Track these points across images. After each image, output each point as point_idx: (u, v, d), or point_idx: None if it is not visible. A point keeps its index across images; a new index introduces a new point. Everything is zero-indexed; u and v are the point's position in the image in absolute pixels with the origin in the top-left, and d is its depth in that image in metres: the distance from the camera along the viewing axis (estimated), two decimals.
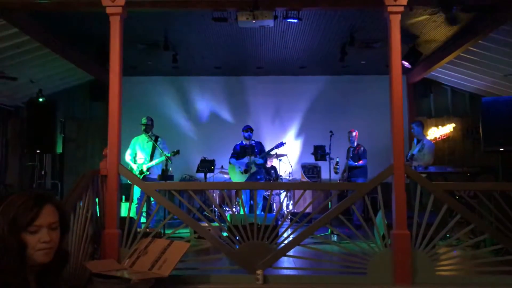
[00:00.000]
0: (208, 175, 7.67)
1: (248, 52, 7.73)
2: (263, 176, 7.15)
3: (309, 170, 8.46)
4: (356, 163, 7.23)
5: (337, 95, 9.14)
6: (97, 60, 7.65)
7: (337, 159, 7.13)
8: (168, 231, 5.66)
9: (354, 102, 9.02)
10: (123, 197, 6.13)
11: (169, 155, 6.32)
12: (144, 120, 6.67)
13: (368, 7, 5.06)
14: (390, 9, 3.75)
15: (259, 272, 3.46)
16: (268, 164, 7.76)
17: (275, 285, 3.49)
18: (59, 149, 7.77)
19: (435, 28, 6.45)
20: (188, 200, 7.96)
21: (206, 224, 4.70)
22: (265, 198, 7.58)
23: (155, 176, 6.60)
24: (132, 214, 5.33)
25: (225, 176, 8.09)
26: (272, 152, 7.30)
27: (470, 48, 6.70)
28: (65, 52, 7.17)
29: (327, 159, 7.13)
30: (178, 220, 5.51)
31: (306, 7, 5.03)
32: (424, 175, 4.99)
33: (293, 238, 3.74)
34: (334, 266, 3.92)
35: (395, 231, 3.56)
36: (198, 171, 7.85)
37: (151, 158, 6.65)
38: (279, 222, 4.65)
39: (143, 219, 5.96)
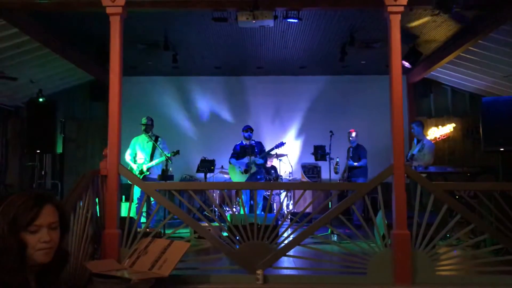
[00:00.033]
0: (208, 175, 7.67)
1: (248, 52, 7.72)
2: (263, 176, 7.15)
3: (309, 170, 8.46)
4: (356, 163, 7.23)
5: (337, 95, 9.14)
6: (97, 60, 7.65)
7: (337, 159, 7.13)
8: (168, 231, 5.66)
9: (354, 102, 9.02)
10: (123, 197, 6.13)
11: (169, 155, 6.32)
12: (144, 120, 6.67)
13: (368, 7, 5.05)
14: (390, 9, 3.75)
15: (259, 272, 3.46)
16: (268, 164, 7.76)
17: (275, 285, 3.49)
18: (59, 149, 7.77)
19: (435, 28, 6.45)
20: (188, 200, 7.96)
21: (206, 224, 4.70)
22: (265, 198, 7.58)
23: (155, 176, 6.61)
24: (132, 214, 5.33)
25: (225, 176, 8.09)
26: (272, 152, 7.30)
27: (470, 48, 6.70)
28: (65, 52, 7.17)
29: (327, 159, 7.13)
30: (178, 220, 5.52)
31: (306, 7, 5.03)
32: (424, 175, 4.99)
33: (293, 238, 3.74)
34: (334, 266, 3.92)
35: (395, 231, 3.56)
36: (198, 171, 7.85)
37: (151, 158, 6.65)
38: (279, 222, 4.65)
39: (143, 219, 5.96)
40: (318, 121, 8.85)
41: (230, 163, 7.13)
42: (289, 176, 8.40)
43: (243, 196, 6.67)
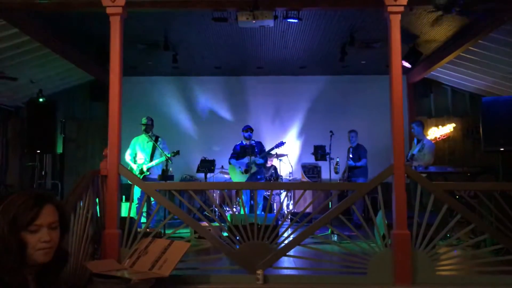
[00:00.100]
0: (208, 175, 7.67)
1: (248, 52, 7.72)
2: (263, 176, 7.15)
3: (309, 170, 8.47)
4: (356, 163, 7.22)
5: (337, 95, 9.14)
6: (97, 60, 7.65)
7: (337, 159, 7.13)
8: (168, 231, 5.66)
9: (354, 102, 9.02)
10: (124, 197, 6.13)
11: (169, 155, 6.32)
12: (144, 120, 6.67)
13: (368, 7, 5.05)
14: (390, 9, 3.75)
15: (259, 272, 3.45)
16: (269, 164, 7.76)
17: (275, 285, 3.48)
18: (59, 149, 7.78)
19: (435, 28, 6.45)
20: (188, 200, 7.96)
21: (207, 224, 4.69)
22: (265, 198, 7.58)
23: (155, 176, 6.61)
24: (133, 214, 5.33)
25: (226, 176, 8.10)
26: (272, 152, 7.30)
27: (470, 48, 6.70)
28: (65, 52, 7.17)
29: (327, 159, 7.13)
30: (178, 220, 5.52)
31: (306, 7, 5.03)
32: (424, 175, 4.99)
33: (294, 238, 3.73)
34: (334, 266, 3.92)
35: (395, 231, 3.56)
36: (198, 171, 7.85)
37: (151, 158, 6.65)
38: (280, 222, 4.65)
39: (143, 219, 5.97)
40: (318, 121, 8.86)
41: (230, 163, 7.12)
42: (289, 176, 8.40)
43: (243, 196, 6.67)
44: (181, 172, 8.55)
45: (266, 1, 4.50)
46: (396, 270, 3.47)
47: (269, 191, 6.54)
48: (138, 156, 6.73)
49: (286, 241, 3.71)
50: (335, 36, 6.84)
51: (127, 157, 6.73)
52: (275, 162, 8.12)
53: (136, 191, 6.20)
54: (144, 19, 6.03)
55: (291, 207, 7.92)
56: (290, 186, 7.41)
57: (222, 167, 8.04)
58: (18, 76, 7.01)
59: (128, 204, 4.49)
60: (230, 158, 7.12)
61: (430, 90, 9.17)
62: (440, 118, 9.11)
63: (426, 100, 9.25)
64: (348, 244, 3.99)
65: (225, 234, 3.98)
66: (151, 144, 6.68)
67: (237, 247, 3.68)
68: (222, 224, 4.48)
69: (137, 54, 7.63)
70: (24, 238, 1.60)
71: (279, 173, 7.97)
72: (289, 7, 5.20)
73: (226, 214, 6.88)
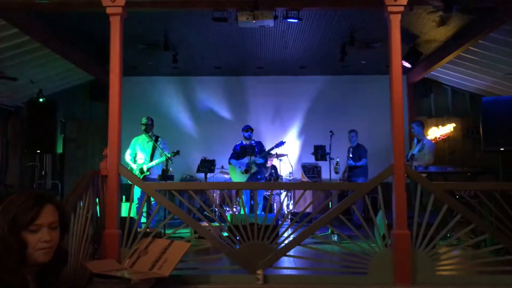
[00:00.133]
0: (209, 175, 7.67)
1: (248, 52, 7.72)
2: (264, 175, 7.15)
3: (310, 170, 8.47)
4: (356, 163, 7.22)
5: (337, 95, 9.14)
6: (97, 60, 7.65)
7: (337, 159, 7.13)
8: (168, 231, 5.66)
9: (354, 102, 9.02)
10: (124, 197, 6.13)
11: (169, 155, 6.32)
12: (144, 120, 6.67)
13: (368, 7, 5.05)
14: (390, 9, 3.74)
15: (259, 272, 3.45)
16: (269, 164, 7.76)
17: (275, 285, 3.48)
18: (60, 149, 7.77)
19: (435, 28, 6.45)
20: (188, 200, 7.96)
21: (207, 224, 4.69)
22: (265, 198, 7.58)
23: (155, 176, 6.60)
24: (133, 214, 5.33)
25: (226, 176, 8.10)
26: (273, 152, 7.30)
27: (470, 47, 6.70)
28: (65, 52, 7.17)
29: (327, 159, 7.13)
30: (178, 220, 5.52)
31: (306, 7, 5.03)
32: (424, 175, 4.98)
33: (294, 238, 3.73)
34: (334, 266, 3.92)
35: (396, 231, 3.56)
36: (198, 171, 7.85)
37: (151, 158, 6.65)
38: (280, 222, 4.65)
39: (143, 219, 5.97)
40: (318, 121, 8.86)
41: (230, 163, 7.12)
42: (289, 176, 8.40)
43: (243, 196, 6.67)
44: (181, 172, 8.55)
45: (266, 1, 4.50)
46: (396, 270, 3.46)
47: (269, 191, 6.54)
48: (138, 156, 6.73)
49: (286, 241, 3.71)
50: (335, 36, 6.84)
51: (127, 157, 6.73)
52: (275, 162, 8.12)
53: (136, 191, 6.19)
54: (144, 19, 6.03)
55: (291, 207, 7.92)
56: (290, 186, 7.41)
57: (222, 167, 8.04)
58: (18, 76, 7.01)
59: (128, 204, 4.49)
60: (230, 158, 7.11)
61: (430, 90, 9.17)
62: (440, 118, 9.11)
63: (426, 100, 9.25)
64: (348, 244, 3.99)
65: (225, 234, 3.98)
66: (151, 144, 6.68)
67: (237, 247, 3.68)
68: (222, 224, 4.48)
69: (137, 54, 7.63)
70: (25, 238, 1.60)
71: (279, 173, 7.97)
72: (289, 7, 5.20)
73: (226, 214, 6.88)
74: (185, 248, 3.16)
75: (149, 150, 6.68)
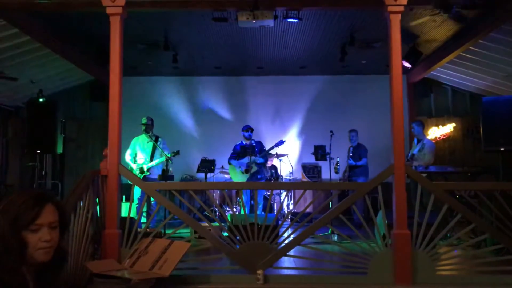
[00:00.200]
0: (209, 175, 7.67)
1: (248, 52, 7.72)
2: (264, 175, 7.15)
3: (310, 170, 8.46)
4: (356, 163, 7.22)
5: (337, 95, 9.14)
6: (97, 60, 7.65)
7: (338, 159, 7.13)
8: (168, 231, 5.66)
9: (354, 102, 9.02)
10: (124, 197, 6.13)
11: (169, 155, 6.32)
12: (144, 120, 6.67)
13: (368, 7, 5.05)
14: (390, 8, 3.74)
15: (259, 272, 3.45)
16: (269, 164, 7.76)
17: (275, 285, 3.48)
18: (60, 149, 7.77)
19: (435, 28, 6.45)
20: (188, 200, 7.96)
21: (207, 224, 4.69)
22: (265, 198, 7.58)
23: (156, 176, 6.60)
24: (133, 214, 5.33)
25: (226, 176, 8.10)
26: (273, 151, 7.30)
27: (470, 47, 6.70)
28: (65, 52, 7.17)
29: (328, 159, 7.13)
30: (178, 220, 5.52)
31: (306, 7, 5.03)
32: (424, 175, 4.98)
33: (294, 238, 3.73)
34: (334, 266, 3.92)
35: (396, 231, 3.56)
36: (198, 171, 7.85)
37: (151, 158, 6.65)
38: (280, 222, 4.65)
39: (143, 219, 5.97)
40: (318, 121, 8.85)
41: (230, 163, 7.12)
42: (290, 176, 8.40)
43: (243, 196, 6.67)
44: (181, 172, 8.55)
45: (266, 1, 4.50)
46: (396, 270, 3.47)
47: (269, 191, 6.55)
48: (138, 156, 6.73)
49: (286, 241, 3.71)
50: (335, 36, 6.84)
51: (127, 157, 6.73)
52: (275, 162, 8.12)
53: (136, 191, 6.19)
54: (144, 19, 6.03)
55: (291, 207, 7.92)
56: (290, 186, 7.41)
57: (222, 167, 8.04)
58: (18, 76, 7.01)
59: (128, 204, 4.49)
60: (230, 159, 7.11)
61: (430, 90, 9.17)
62: (440, 118, 9.10)
63: (426, 100, 9.25)
64: (349, 244, 3.99)
65: (225, 234, 3.98)
66: (151, 144, 6.68)
67: (237, 247, 3.68)
68: (222, 224, 4.48)
69: (137, 54, 7.63)
70: (25, 237, 1.60)
71: (279, 173, 7.97)
72: (289, 7, 5.20)
73: (226, 214, 6.88)
74: (185, 248, 3.16)
75: (149, 150, 6.68)
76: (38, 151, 7.32)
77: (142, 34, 6.74)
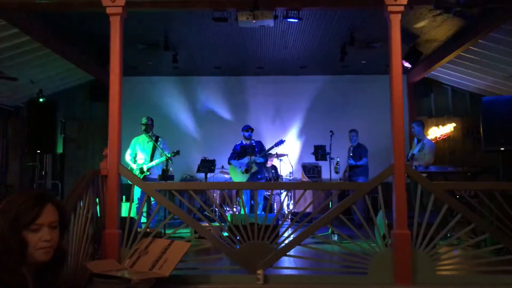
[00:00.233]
0: (209, 175, 7.67)
1: (248, 52, 7.73)
2: (264, 175, 7.15)
3: (310, 169, 8.47)
4: (357, 162, 7.22)
5: (337, 95, 9.14)
6: (97, 60, 7.66)
7: (338, 159, 7.13)
8: (168, 231, 5.66)
9: (354, 102, 9.02)
10: (124, 197, 6.13)
11: (169, 155, 6.32)
12: (144, 120, 6.67)
13: (368, 7, 5.05)
14: (390, 8, 3.74)
15: (259, 272, 3.45)
16: (269, 164, 7.76)
17: (275, 285, 3.48)
18: (60, 149, 7.77)
19: (435, 28, 6.45)
20: (188, 200, 7.96)
21: (207, 224, 4.69)
22: (265, 198, 7.58)
23: (156, 176, 6.60)
24: (133, 214, 5.33)
25: (226, 176, 8.10)
26: (273, 151, 7.30)
27: (470, 47, 6.70)
28: (65, 52, 7.17)
29: (328, 159, 7.13)
30: (178, 220, 5.52)
31: (306, 6, 5.03)
32: (424, 175, 4.98)
33: (294, 238, 3.73)
34: (334, 266, 3.91)
35: (396, 231, 3.55)
36: (198, 171, 7.85)
37: (151, 158, 6.65)
38: (280, 222, 4.65)
39: (143, 219, 5.97)
40: (318, 121, 8.86)
41: (230, 163, 7.12)
42: (290, 176, 8.40)
43: (243, 196, 6.67)
44: (181, 172, 8.55)
45: (266, 1, 4.50)
46: (396, 270, 3.46)
47: (269, 191, 6.55)
48: (138, 156, 6.73)
49: (286, 241, 3.71)
50: (335, 36, 6.84)
51: (127, 157, 6.73)
52: (275, 162, 8.12)
53: (136, 191, 6.19)
54: (144, 19, 6.03)
55: (291, 207, 7.92)
56: (290, 186, 7.40)
57: (223, 167, 8.04)
58: (18, 76, 7.01)
59: (128, 204, 4.49)
60: (230, 159, 7.11)
61: (430, 89, 9.17)
62: (440, 117, 9.10)
63: (426, 100, 9.25)
64: (349, 244, 3.99)
65: (225, 234, 3.98)
66: (151, 144, 6.68)
67: (238, 247, 3.68)
68: (223, 224, 4.48)
69: (137, 54, 7.63)
70: (25, 237, 1.60)
71: (279, 173, 7.97)
72: (289, 7, 5.20)
73: (226, 214, 6.88)
74: (185, 248, 3.16)
75: (149, 150, 6.68)
76: (38, 151, 7.31)
77: (142, 34, 6.74)
